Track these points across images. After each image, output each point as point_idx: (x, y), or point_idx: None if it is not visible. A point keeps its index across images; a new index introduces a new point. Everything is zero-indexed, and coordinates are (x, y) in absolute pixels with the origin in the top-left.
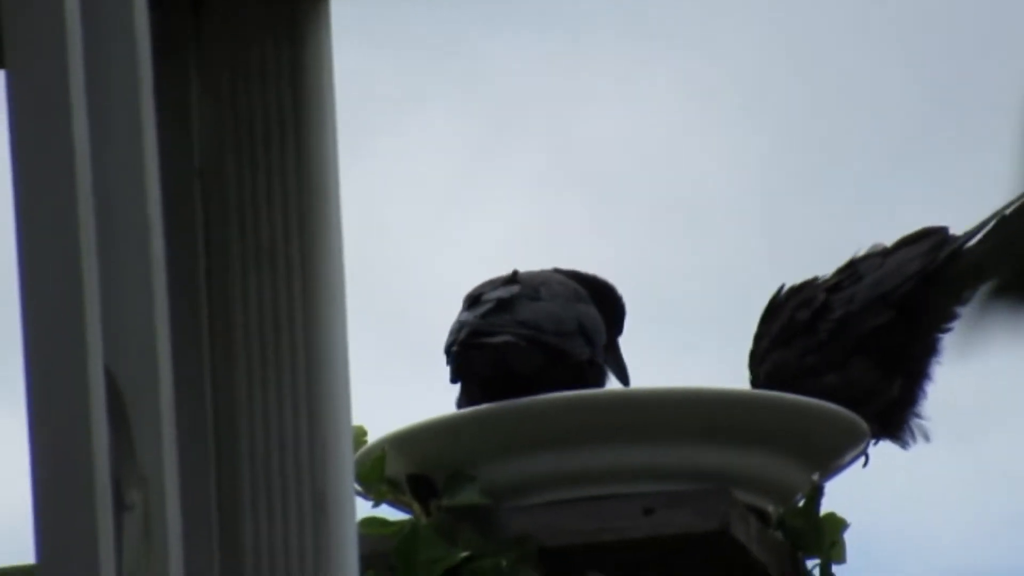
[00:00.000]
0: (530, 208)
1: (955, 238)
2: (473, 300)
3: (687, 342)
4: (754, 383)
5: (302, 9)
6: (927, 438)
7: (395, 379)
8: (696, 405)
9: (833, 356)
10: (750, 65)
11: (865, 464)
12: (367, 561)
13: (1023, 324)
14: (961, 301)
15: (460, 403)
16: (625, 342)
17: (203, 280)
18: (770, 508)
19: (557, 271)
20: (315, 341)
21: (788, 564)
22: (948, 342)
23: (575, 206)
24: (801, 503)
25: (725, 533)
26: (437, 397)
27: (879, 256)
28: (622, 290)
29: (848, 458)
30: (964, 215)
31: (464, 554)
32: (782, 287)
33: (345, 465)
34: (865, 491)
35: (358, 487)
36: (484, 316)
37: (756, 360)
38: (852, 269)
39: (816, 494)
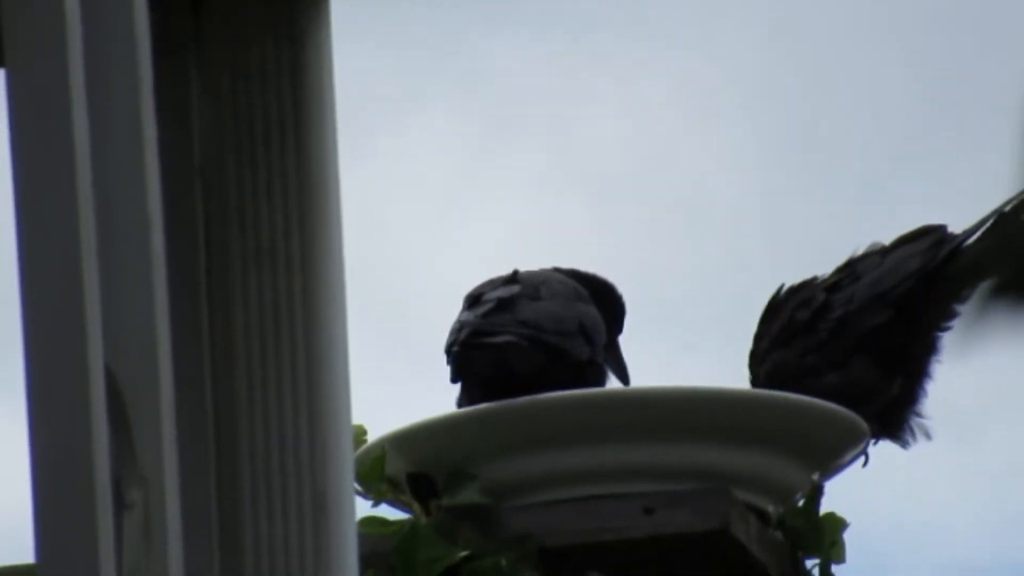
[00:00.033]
0: (530, 208)
1: (954, 236)
2: (473, 300)
3: (687, 342)
4: (754, 383)
5: (302, 9)
6: (928, 437)
7: (395, 378)
8: (696, 404)
9: (833, 355)
10: (750, 65)
11: (865, 464)
12: (367, 561)
13: (1022, 322)
14: (960, 299)
15: (460, 403)
16: (625, 341)
17: (203, 279)
18: (770, 508)
19: (557, 270)
20: (315, 340)
21: (788, 564)
22: (948, 341)
23: (575, 206)
24: (801, 503)
25: (725, 533)
26: (437, 396)
27: (878, 255)
28: (622, 289)
29: (848, 458)
30: (964, 214)
31: (464, 553)
32: (782, 287)
33: (345, 464)
34: (865, 491)
35: (358, 486)
36: (485, 316)
37: (756, 360)
38: (851, 268)
39: (816, 494)
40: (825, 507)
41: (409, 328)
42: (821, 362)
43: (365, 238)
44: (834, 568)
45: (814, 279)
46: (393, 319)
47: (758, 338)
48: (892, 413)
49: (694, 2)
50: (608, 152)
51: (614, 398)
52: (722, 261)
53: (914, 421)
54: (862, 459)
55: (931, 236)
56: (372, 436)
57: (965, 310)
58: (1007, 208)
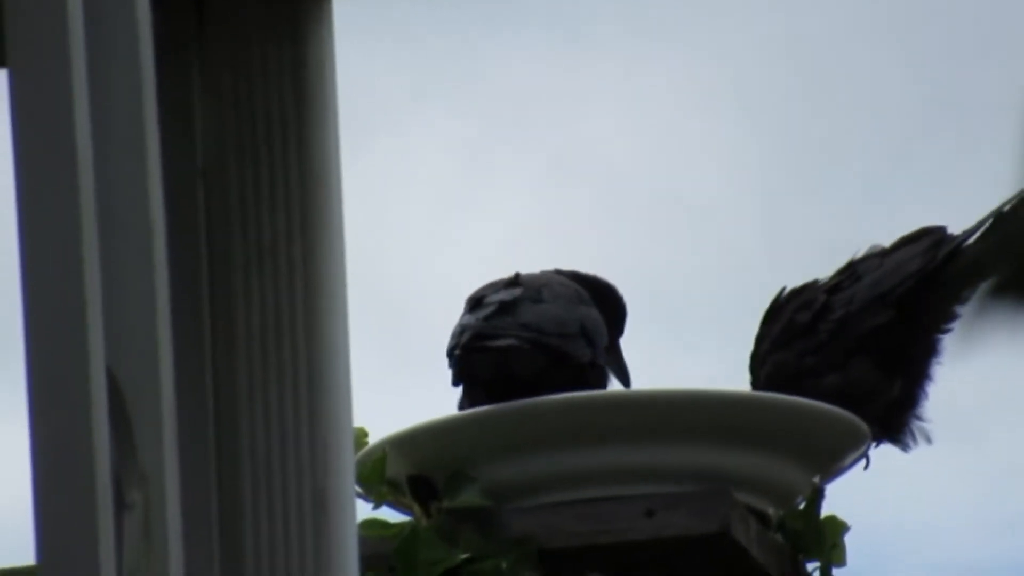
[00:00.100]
0: (531, 208)
1: (953, 237)
2: (475, 303)
3: (687, 342)
4: (754, 385)
5: (304, 9)
6: (928, 440)
7: (396, 380)
8: (697, 407)
9: (833, 357)
10: (750, 65)
11: (866, 466)
12: (367, 562)
13: (1022, 323)
14: (960, 300)
15: (462, 406)
16: (626, 343)
17: (205, 280)
18: (770, 510)
19: (558, 272)
20: (317, 341)
21: (788, 566)
22: (948, 342)
23: (575, 206)
24: (802, 505)
25: (725, 535)
26: (438, 399)
27: (878, 256)
28: (622, 290)
29: (849, 460)
30: (963, 215)
31: (464, 555)
32: (783, 289)
33: (346, 466)
34: (866, 492)
35: (359, 488)
36: (486, 319)
37: (757, 362)
38: (851, 270)
39: (817, 496)
40: (826, 510)
41: (410, 330)
42: (821, 363)
43: (366, 239)
44: (835, 571)
45: (815, 282)
46: (394, 320)
47: (759, 340)
48: (892, 415)
49: (694, 2)
50: (608, 152)
51: (615, 400)
52: (722, 261)
53: (914, 424)
54: (863, 462)
55: (931, 237)
56: (373, 438)
57: (965, 311)
58: (1006, 208)
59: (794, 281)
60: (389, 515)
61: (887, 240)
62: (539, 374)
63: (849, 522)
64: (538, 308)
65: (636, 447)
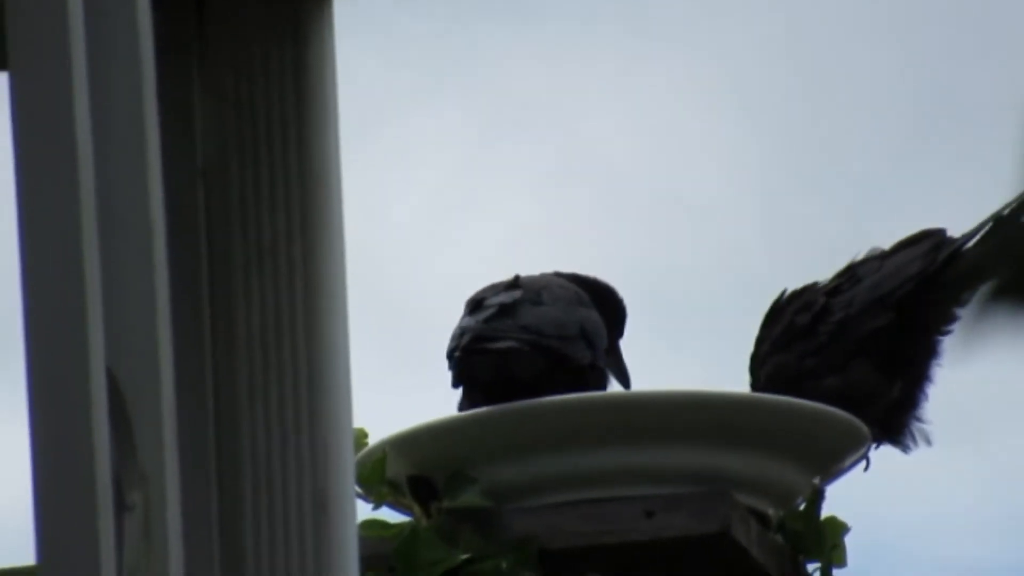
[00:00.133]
0: (532, 208)
1: (953, 240)
2: (475, 305)
3: (688, 343)
4: (754, 386)
5: (305, 8)
6: (928, 442)
7: (396, 381)
8: (697, 408)
9: (833, 359)
10: (750, 65)
11: (866, 468)
12: (367, 563)
13: (1022, 325)
14: (960, 303)
15: (462, 408)
16: (626, 344)
17: (205, 280)
18: (771, 511)
19: (558, 274)
20: (317, 341)
21: (789, 567)
22: (948, 344)
23: (575, 206)
24: (802, 506)
25: (726, 536)
26: (438, 399)
27: (877, 259)
28: (622, 291)
29: (849, 462)
30: (963, 215)
31: (464, 556)
32: (784, 291)
33: (346, 466)
34: (866, 494)
35: (359, 489)
36: (486, 321)
37: (757, 363)
38: (851, 272)
39: (817, 497)
40: (826, 511)
41: (410, 330)
42: (821, 365)
43: (366, 239)
44: (835, 571)
45: (815, 284)
46: (394, 321)
47: (759, 341)
48: (892, 417)
49: (694, 2)
50: (608, 152)
51: (615, 401)
52: (722, 261)
53: (915, 426)
54: (863, 463)
55: (931, 240)
56: (373, 439)
57: (965, 313)
58: (1006, 211)
59: (794, 282)
60: (389, 515)
61: (887, 241)
62: (539, 376)
63: (849, 523)
64: (538, 310)
65: (636, 448)
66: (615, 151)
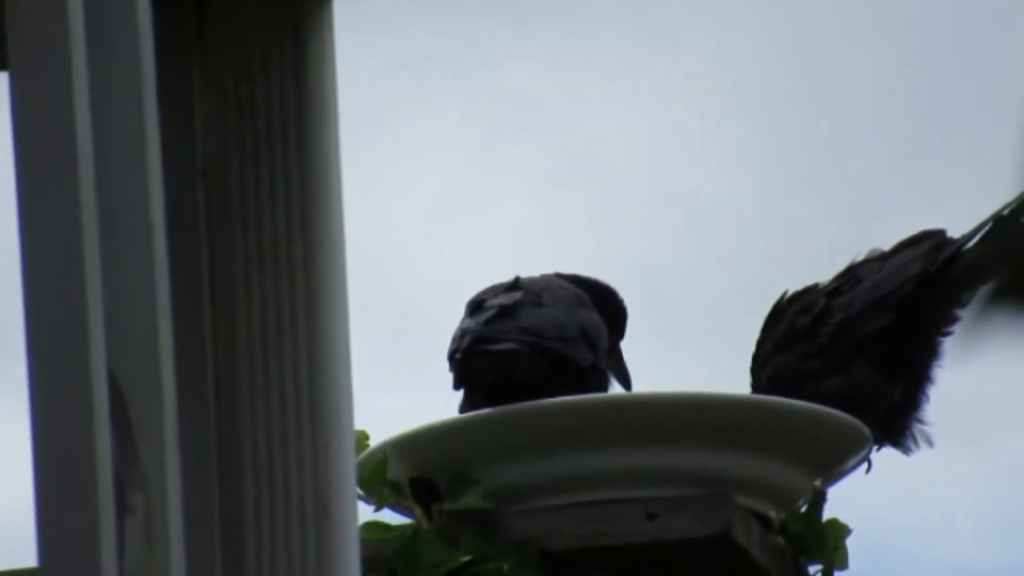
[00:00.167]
0: (531, 208)
1: (953, 240)
2: (476, 306)
3: (688, 344)
4: (755, 387)
5: (305, 8)
6: (929, 443)
7: (397, 382)
8: (699, 409)
9: (833, 360)
10: (750, 65)
11: (868, 470)
12: (369, 565)
13: (1022, 326)
14: (961, 303)
15: (463, 409)
16: (627, 346)
17: (206, 281)
18: (772, 513)
19: (559, 276)
20: (317, 342)
21: (790, 569)
22: (948, 345)
23: (576, 206)
24: (803, 508)
25: (727, 537)
26: (439, 400)
27: (877, 260)
28: (623, 292)
29: (851, 463)
30: (963, 215)
31: (466, 558)
32: (785, 293)
33: (347, 468)
34: (868, 496)
35: (360, 491)
36: (487, 323)
37: (758, 364)
38: (851, 273)
39: (818, 499)
40: (828, 513)
41: (411, 331)
42: (822, 367)
43: (367, 239)
44: (837, 573)
45: (815, 285)
46: (395, 321)
47: (760, 343)
48: (894, 418)
49: (694, 2)
50: (608, 152)
51: (616, 403)
52: (722, 261)
53: (916, 427)
54: (865, 465)
55: (931, 240)
56: (374, 441)
57: (965, 314)
58: (1006, 211)
59: (794, 282)
60: (390, 517)
61: (887, 242)
62: (539, 378)
63: (851, 525)
64: (538, 312)
65: (637, 450)
66: (615, 151)
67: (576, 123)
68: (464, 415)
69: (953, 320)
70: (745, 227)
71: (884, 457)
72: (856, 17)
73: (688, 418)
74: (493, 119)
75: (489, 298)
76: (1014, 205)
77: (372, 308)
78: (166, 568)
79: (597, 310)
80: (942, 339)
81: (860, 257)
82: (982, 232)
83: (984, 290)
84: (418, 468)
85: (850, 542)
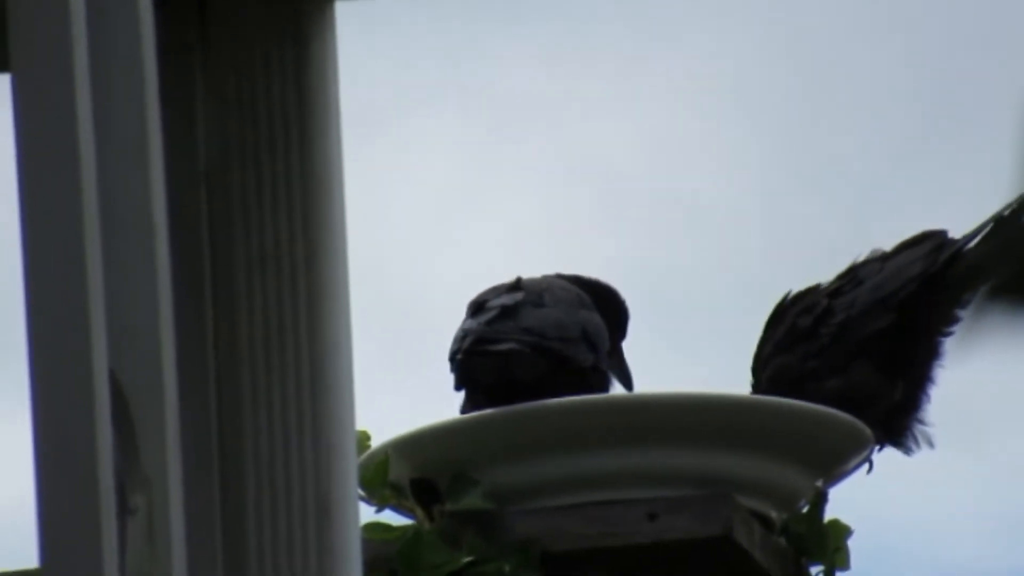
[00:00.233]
0: (532, 208)
1: (954, 241)
2: (477, 307)
3: (689, 345)
4: (756, 387)
5: (307, 10)
6: (930, 444)
7: (398, 382)
8: (700, 410)
9: (834, 360)
10: (750, 65)
11: (870, 471)
12: (370, 566)
13: (1022, 325)
14: (961, 304)
15: (464, 410)
16: (628, 346)
17: (208, 282)
18: (774, 514)
19: (560, 276)
20: (319, 344)
21: (792, 570)
22: (949, 345)
23: (576, 206)
24: (805, 509)
25: (728, 538)
26: (441, 401)
27: (879, 260)
28: (623, 292)
29: (852, 464)
30: (963, 214)
31: (467, 559)
32: (788, 293)
33: (349, 469)
34: (869, 496)
35: (361, 492)
36: (488, 323)
37: (759, 365)
38: (852, 274)
39: (820, 500)
40: (829, 513)
41: (413, 332)
42: (822, 367)
43: (368, 240)
44: (838, 574)
45: (817, 285)
46: (397, 322)
47: (762, 343)
48: (895, 419)
49: (694, 2)
50: (608, 151)
51: (617, 404)
52: (722, 261)
53: (917, 428)
54: (866, 466)
55: (932, 241)
56: (376, 441)
57: (966, 315)
58: (1007, 212)
59: (794, 282)
60: (392, 518)
61: (887, 242)
62: (541, 378)
63: (853, 526)
64: (540, 312)
65: (639, 450)
66: (615, 151)
67: (576, 123)
68: (466, 416)
69: (954, 320)
70: (745, 227)
71: (885, 457)
72: (856, 17)
73: (690, 419)
74: (493, 119)
75: (491, 299)
76: (1015, 206)
77: (373, 308)
78: (168, 569)
79: (598, 311)
80: (943, 339)
81: (861, 258)
82: (983, 233)
83: (985, 290)
84: (419, 469)
85: (851, 543)
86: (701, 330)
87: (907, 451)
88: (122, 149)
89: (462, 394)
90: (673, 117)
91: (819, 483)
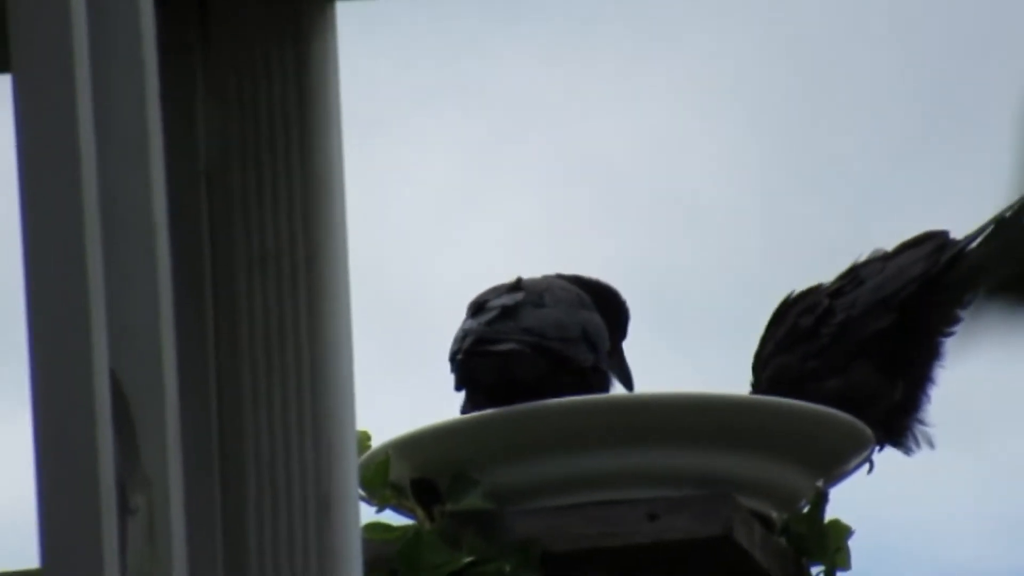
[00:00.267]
0: (532, 208)
1: (956, 242)
2: (477, 307)
3: (689, 345)
4: (756, 386)
5: (307, 10)
6: (930, 445)
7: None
8: (700, 410)
9: (834, 360)
10: (750, 65)
11: (870, 471)
12: (371, 566)
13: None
14: (962, 304)
15: (465, 410)
16: (628, 345)
17: (208, 282)
18: (774, 514)
19: (560, 277)
20: (320, 344)
21: (792, 570)
22: (950, 345)
23: (576, 206)
24: (806, 509)
25: (728, 538)
26: (441, 401)
27: (880, 260)
28: (623, 292)
29: (853, 464)
30: (963, 214)
31: (468, 559)
32: (791, 293)
33: (349, 469)
34: (870, 496)
35: (362, 492)
36: (489, 324)
37: (759, 364)
38: (854, 274)
39: (820, 500)
40: (830, 513)
41: (413, 332)
42: (823, 367)
43: (368, 239)
44: (839, 574)
45: (819, 285)
46: (397, 322)
47: (763, 342)
48: (895, 419)
49: (694, 2)
50: (608, 151)
51: (618, 404)
52: (722, 261)
53: (917, 428)
54: (867, 466)
55: (933, 241)
56: (376, 442)
57: (967, 315)
58: (1008, 213)
59: (794, 282)
60: (392, 518)
61: (887, 241)
62: (541, 378)
63: (853, 526)
64: (540, 312)
65: (639, 450)
66: (615, 151)
67: (576, 123)
68: (466, 416)
69: (954, 321)
70: (745, 227)
71: (885, 457)
72: (856, 17)
73: (690, 419)
74: (493, 119)
75: (491, 299)
76: (1016, 207)
77: (373, 308)
78: (168, 569)
79: (599, 311)
80: (943, 340)
81: (863, 258)
82: (985, 234)
83: (985, 290)
84: (420, 469)
85: (852, 543)
86: (701, 330)
87: (907, 451)
88: (123, 149)
89: (462, 394)
90: (673, 117)
91: (819, 483)
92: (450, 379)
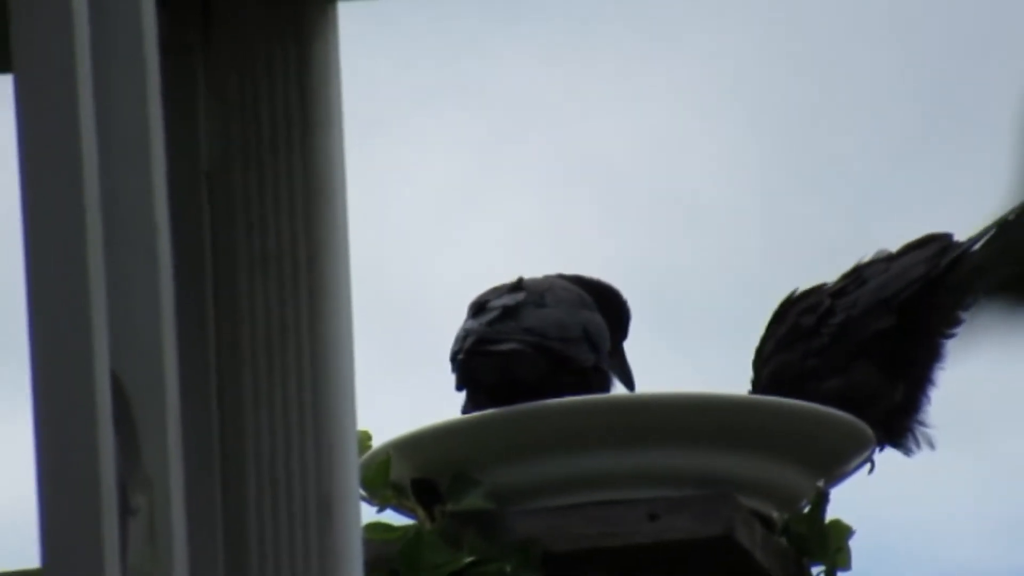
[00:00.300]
0: (532, 208)
1: (959, 244)
2: (478, 308)
3: (690, 345)
4: (756, 385)
5: (310, 11)
6: (931, 445)
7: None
8: (700, 410)
9: (835, 360)
10: (750, 65)
11: (871, 471)
12: (371, 566)
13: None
14: (964, 306)
15: (466, 410)
16: (629, 345)
17: (210, 283)
18: (775, 514)
19: (561, 277)
20: (321, 344)
21: (793, 570)
22: (952, 347)
23: (576, 206)
24: (806, 509)
25: (729, 538)
26: (442, 401)
27: (884, 261)
28: (625, 293)
29: (853, 464)
30: (963, 215)
31: (468, 559)
32: (794, 292)
33: (350, 469)
34: (871, 497)
35: (363, 492)
36: (490, 324)
37: (760, 363)
38: (857, 274)
39: (821, 500)
40: (831, 513)
41: (414, 332)
42: (823, 366)
43: (368, 239)
44: (840, 574)
45: (822, 285)
46: (398, 323)
47: (764, 340)
48: (895, 419)
49: (694, 2)
50: (608, 151)
51: (618, 404)
52: (722, 261)
53: (918, 429)
54: (868, 466)
55: (937, 243)
56: (377, 442)
57: (968, 316)
58: (1010, 215)
59: (795, 282)
60: (393, 518)
61: (887, 242)
62: (542, 378)
63: (854, 526)
64: (541, 312)
65: (640, 450)
66: (615, 151)
67: (576, 123)
68: (467, 416)
69: (955, 322)
70: (745, 227)
71: (885, 458)
72: (856, 17)
73: (690, 419)
74: (493, 119)
75: (492, 299)
76: (1018, 208)
77: (373, 308)
78: (169, 570)
79: (599, 311)
80: (944, 341)
81: (867, 258)
82: (987, 236)
83: (987, 292)
84: (420, 469)
85: (853, 543)
86: (701, 330)
87: (907, 452)
88: (124, 149)
89: (463, 394)
90: (673, 117)
91: (820, 483)
92: (451, 379)
